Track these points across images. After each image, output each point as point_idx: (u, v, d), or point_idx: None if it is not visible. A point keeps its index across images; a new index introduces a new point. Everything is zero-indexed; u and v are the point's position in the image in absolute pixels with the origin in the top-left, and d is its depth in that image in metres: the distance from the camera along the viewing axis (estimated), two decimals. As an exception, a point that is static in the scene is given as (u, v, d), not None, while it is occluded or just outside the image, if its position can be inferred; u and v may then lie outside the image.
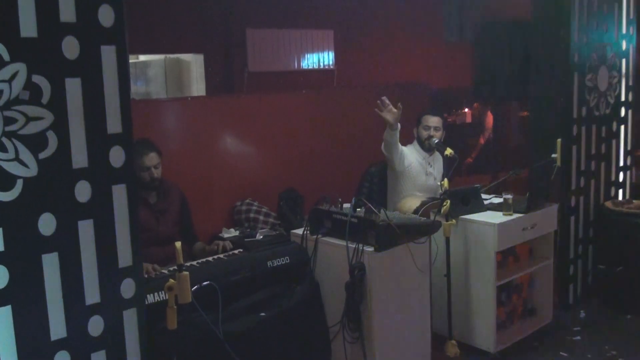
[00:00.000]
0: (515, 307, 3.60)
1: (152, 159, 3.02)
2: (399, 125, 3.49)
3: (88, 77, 1.85)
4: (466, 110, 6.65)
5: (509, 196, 3.28)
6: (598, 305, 3.99)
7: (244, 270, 2.67)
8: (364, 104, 4.91)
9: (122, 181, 1.96)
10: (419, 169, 3.81)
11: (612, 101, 4.14)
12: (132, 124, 1.96)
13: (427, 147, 3.78)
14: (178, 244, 2.04)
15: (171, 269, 2.68)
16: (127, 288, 2.00)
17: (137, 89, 5.94)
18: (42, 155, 1.77)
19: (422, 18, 6.36)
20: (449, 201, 3.08)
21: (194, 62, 5.64)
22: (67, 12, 1.79)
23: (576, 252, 4.01)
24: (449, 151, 3.29)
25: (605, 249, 4.04)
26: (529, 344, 3.47)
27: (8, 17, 1.68)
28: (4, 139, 1.70)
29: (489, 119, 6.29)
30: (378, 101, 3.43)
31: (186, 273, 2.02)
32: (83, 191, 1.87)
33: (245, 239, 3.73)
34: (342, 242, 2.77)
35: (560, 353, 3.38)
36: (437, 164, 3.86)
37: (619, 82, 4.20)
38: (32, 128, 1.74)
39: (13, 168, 1.72)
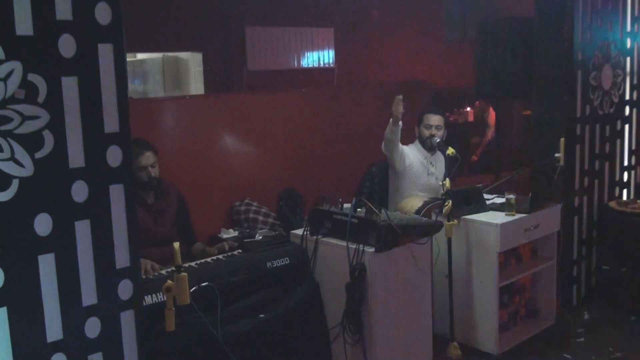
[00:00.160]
0: (517, 308, 3.60)
1: (148, 158, 3.02)
2: (400, 122, 3.48)
3: (85, 75, 1.85)
4: (468, 109, 6.65)
5: (512, 196, 3.28)
6: (602, 307, 3.98)
7: (243, 271, 2.67)
8: (364, 103, 4.94)
9: (120, 181, 1.96)
10: (420, 168, 3.81)
11: (616, 100, 4.14)
12: (129, 123, 1.96)
13: (429, 146, 3.78)
14: (176, 245, 2.04)
15: (169, 270, 2.68)
16: (125, 289, 2.00)
17: (134, 87, 5.94)
18: (38, 155, 1.77)
19: (423, 16, 6.37)
20: (450, 201, 3.08)
21: (193, 61, 5.65)
22: (63, 9, 1.79)
23: (580, 253, 4.01)
24: (450, 150, 3.29)
25: (609, 249, 4.04)
26: (531, 345, 3.46)
27: (3, 15, 1.68)
28: None
29: (492, 115, 6.29)
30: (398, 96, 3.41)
31: (184, 274, 2.02)
32: (80, 191, 1.87)
33: (245, 240, 3.74)
34: (343, 243, 2.77)
35: (564, 355, 3.38)
36: (439, 164, 3.86)
37: (624, 80, 4.20)
38: (28, 127, 1.74)
39: (9, 168, 1.72)
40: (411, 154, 3.81)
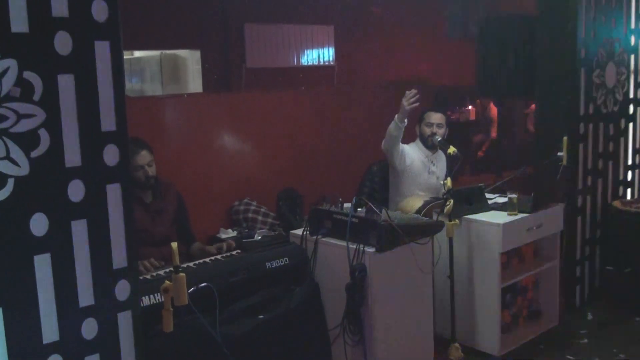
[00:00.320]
0: (520, 309, 3.60)
1: (144, 157, 3.01)
2: (407, 120, 3.49)
3: (81, 73, 1.85)
4: (470, 107, 6.65)
5: (514, 196, 3.27)
6: (606, 308, 3.98)
7: (242, 271, 2.67)
8: (365, 101, 4.94)
9: (117, 180, 1.95)
10: (421, 167, 3.81)
11: (620, 98, 4.14)
12: (126, 121, 1.96)
13: (430, 145, 3.78)
14: (174, 245, 2.03)
15: (167, 270, 2.68)
16: (122, 290, 2.00)
17: (132, 85, 5.93)
18: (34, 154, 1.77)
19: (424, 13, 6.37)
20: (452, 201, 3.07)
21: (191, 58, 5.64)
22: (59, 6, 1.79)
23: (583, 253, 4.01)
24: (452, 149, 3.29)
25: (613, 249, 4.04)
26: (534, 347, 3.47)
27: (-1, 12, 1.68)
28: (-5, 137, 1.70)
29: (494, 111, 6.29)
30: (413, 90, 3.41)
31: (183, 274, 2.02)
32: (76, 190, 1.87)
33: (244, 240, 3.74)
34: (343, 243, 2.77)
35: (567, 357, 3.38)
36: (440, 163, 3.86)
37: (628, 78, 4.20)
38: (24, 126, 1.74)
39: (4, 167, 1.72)
40: (412, 153, 3.80)
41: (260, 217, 4.16)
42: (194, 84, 5.63)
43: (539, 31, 4.00)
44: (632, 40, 4.20)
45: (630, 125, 4.31)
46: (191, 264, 2.74)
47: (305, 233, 2.99)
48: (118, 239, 1.97)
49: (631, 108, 4.30)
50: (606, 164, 4.12)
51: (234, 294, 2.59)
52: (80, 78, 1.84)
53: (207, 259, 2.86)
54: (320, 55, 6.03)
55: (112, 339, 1.98)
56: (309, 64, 5.95)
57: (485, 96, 6.08)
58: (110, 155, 1.93)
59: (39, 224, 1.79)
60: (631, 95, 4.28)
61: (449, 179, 3.14)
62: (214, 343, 2.35)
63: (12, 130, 1.72)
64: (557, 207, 3.52)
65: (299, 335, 2.74)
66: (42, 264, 1.81)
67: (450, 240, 3.15)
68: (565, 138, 3.74)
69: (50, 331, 1.84)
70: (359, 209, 2.87)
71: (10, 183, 1.73)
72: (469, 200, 3.33)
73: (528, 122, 6.39)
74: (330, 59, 6.09)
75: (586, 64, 3.82)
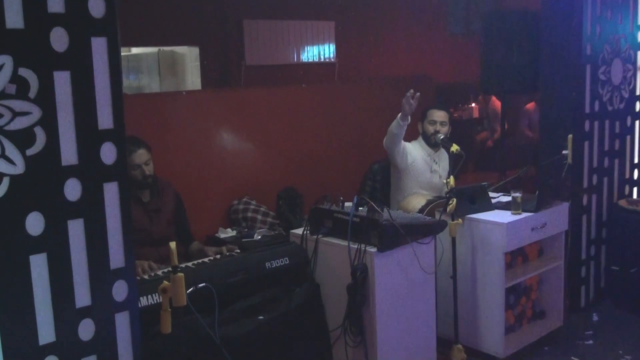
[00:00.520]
0: (524, 310, 3.60)
1: (141, 155, 3.01)
2: (409, 118, 3.49)
3: (78, 70, 1.85)
4: (473, 104, 6.65)
5: (518, 194, 3.27)
6: (611, 308, 3.98)
7: (241, 271, 2.67)
8: (366, 99, 4.93)
9: (114, 179, 1.96)
10: (423, 166, 3.81)
11: (626, 95, 4.13)
12: (124, 119, 1.96)
13: (433, 143, 3.78)
14: (173, 245, 2.03)
15: (165, 270, 2.68)
16: (119, 290, 2.00)
17: (129, 82, 5.94)
18: (29, 152, 1.77)
19: (427, 9, 6.36)
20: (455, 200, 3.07)
21: (189, 55, 5.64)
22: (55, 2, 1.79)
23: (588, 253, 4.01)
24: (455, 147, 3.28)
25: (619, 249, 4.04)
26: (538, 348, 3.47)
27: (-7, 8, 1.68)
28: (-10, 135, 1.70)
29: (497, 104, 6.30)
30: (411, 90, 3.43)
31: (181, 275, 2.02)
32: (73, 189, 1.87)
33: (243, 239, 3.74)
34: (344, 243, 2.77)
35: (572, 358, 3.38)
36: (442, 161, 3.86)
37: (634, 75, 4.19)
38: (19, 123, 1.74)
39: (-1, 165, 1.72)
40: (414, 151, 3.80)
41: (259, 217, 4.16)
42: (193, 81, 5.63)
43: (544, 27, 3.99)
44: (639, 36, 4.19)
45: (637, 122, 4.31)
46: (190, 264, 2.74)
47: (305, 232, 2.99)
48: (115, 238, 1.98)
49: (637, 105, 4.29)
50: (612, 162, 4.11)
51: (234, 294, 2.59)
52: (76, 75, 1.85)
53: (206, 259, 2.86)
54: (320, 51, 6.03)
55: (110, 341, 1.99)
56: (309, 60, 5.95)
57: (489, 93, 6.08)
58: (108, 153, 1.93)
59: (34, 224, 1.79)
60: (637, 92, 4.27)
61: (452, 177, 3.14)
62: (213, 344, 2.35)
63: (7, 128, 1.72)
64: (562, 206, 3.52)
65: (299, 336, 2.74)
66: (38, 264, 1.81)
67: (453, 239, 3.15)
68: (570, 136, 3.74)
69: (46, 332, 1.84)
70: (360, 208, 2.87)
71: (6, 182, 1.73)
72: (472, 199, 3.33)
73: (523, 120, 6.39)
74: (331, 55, 6.09)
75: (592, 60, 3.81)
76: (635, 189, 4.38)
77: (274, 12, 5.66)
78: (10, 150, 1.73)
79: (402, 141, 3.67)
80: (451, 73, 6.34)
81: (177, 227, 3.23)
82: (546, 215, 3.39)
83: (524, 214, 3.28)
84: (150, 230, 3.08)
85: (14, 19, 1.71)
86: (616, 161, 4.15)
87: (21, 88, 1.74)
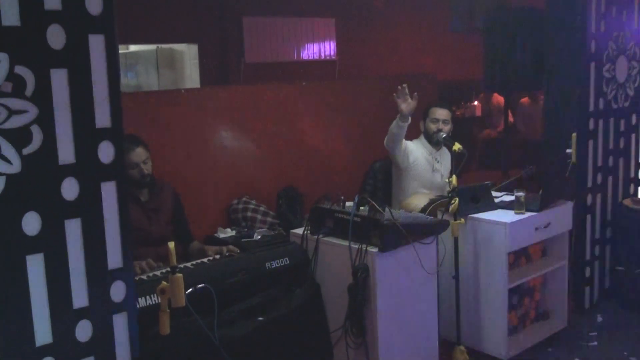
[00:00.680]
0: (527, 311, 3.60)
1: (139, 154, 3.01)
2: (409, 118, 3.49)
3: (75, 68, 1.85)
4: (476, 103, 6.65)
5: (521, 194, 3.27)
6: (616, 309, 3.98)
7: (241, 272, 2.67)
8: (367, 97, 4.93)
9: (112, 178, 1.95)
10: (425, 165, 3.81)
11: (631, 93, 4.13)
12: (122, 117, 1.96)
13: (436, 141, 3.78)
14: (171, 245, 2.04)
15: (164, 270, 2.68)
16: (117, 291, 2.00)
17: (127, 80, 5.94)
18: (26, 151, 1.77)
19: (429, 5, 6.36)
20: (457, 199, 3.07)
21: (188, 53, 5.65)
22: (52, -2, 1.79)
23: (592, 253, 4.01)
24: (457, 146, 3.28)
25: (624, 249, 4.03)
26: (542, 350, 3.47)
27: (-11, 5, 1.68)
28: (-14, 134, 1.70)
29: (500, 100, 6.29)
30: (399, 87, 3.43)
31: (180, 275, 2.02)
32: (70, 188, 1.86)
33: (242, 239, 3.73)
34: (345, 243, 2.77)
35: (576, 359, 3.38)
36: (444, 160, 3.86)
37: (639, 72, 4.19)
38: (16, 122, 1.74)
39: (-5, 164, 1.72)
40: (415, 150, 3.80)
41: (259, 216, 4.16)
42: (191, 78, 5.63)
43: (548, 24, 3.99)
44: (644, 33, 4.19)
45: (642, 121, 4.30)
46: (189, 265, 2.74)
47: (306, 232, 2.99)
48: (113, 238, 1.97)
49: (642, 103, 4.29)
50: (617, 161, 4.11)
51: (233, 295, 2.59)
52: (73, 73, 1.84)
53: (205, 259, 2.86)
54: (321, 49, 6.03)
55: (107, 342, 1.98)
56: (310, 58, 5.95)
57: (493, 91, 6.08)
58: (105, 152, 1.93)
59: (31, 223, 1.79)
60: (643, 90, 4.27)
61: (454, 176, 3.14)
62: (212, 346, 2.35)
63: (3, 126, 1.72)
64: (566, 205, 3.52)
65: (300, 338, 2.75)
66: (35, 264, 1.81)
67: (456, 239, 3.15)
68: (574, 134, 3.74)
69: (43, 333, 1.84)
70: (361, 208, 2.87)
71: (2, 181, 1.73)
72: (475, 198, 3.33)
73: (517, 115, 6.39)
74: (332, 53, 6.09)
75: (596, 58, 3.81)
76: (640, 189, 4.38)
77: (274, 9, 5.66)
78: (7, 149, 1.73)
79: (404, 140, 3.66)
80: (454, 70, 6.34)
81: (176, 227, 3.23)
82: (550, 214, 3.39)
83: (528, 214, 3.28)
84: (148, 230, 3.08)
85: (10, 16, 1.71)
86: (621, 160, 4.15)
87: (17, 86, 1.74)
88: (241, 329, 2.53)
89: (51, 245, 1.84)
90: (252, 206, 4.19)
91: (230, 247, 2.95)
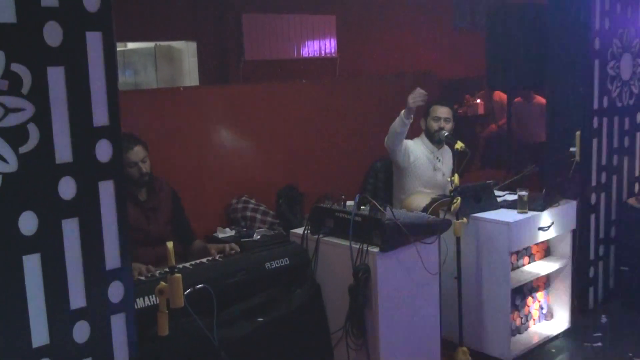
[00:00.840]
0: (530, 311, 3.60)
1: (137, 153, 3.01)
2: (412, 116, 3.49)
3: (72, 65, 1.84)
4: (478, 101, 6.64)
5: (524, 193, 3.27)
6: (620, 310, 3.98)
7: (240, 272, 2.67)
8: (368, 95, 4.93)
9: (110, 177, 1.95)
10: (426, 163, 3.80)
11: (636, 91, 4.13)
12: (119, 116, 1.96)
13: (437, 140, 3.77)
14: (170, 244, 2.03)
15: (163, 271, 2.68)
16: (115, 291, 2.00)
17: (125, 78, 5.94)
18: (22, 150, 1.76)
19: (431, 2, 6.36)
20: (459, 198, 3.07)
21: (186, 50, 5.65)
22: (49, -5, 1.79)
23: (597, 253, 4.01)
24: (459, 145, 3.28)
25: (628, 249, 4.03)
26: (545, 351, 3.46)
27: (-15, 1, 1.68)
28: (-18, 132, 1.70)
29: (502, 96, 6.29)
30: (420, 91, 3.46)
31: (178, 275, 2.02)
32: (67, 188, 1.86)
33: (242, 239, 3.74)
34: (345, 243, 2.77)
35: (580, 361, 3.38)
36: (446, 159, 3.85)
37: (644, 70, 4.19)
38: (12, 120, 1.74)
39: (-8, 163, 1.72)
40: (416, 149, 3.80)
41: (259, 216, 4.16)
42: (190, 76, 5.63)
43: (551, 21, 3.98)
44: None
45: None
46: (187, 265, 2.74)
47: (306, 232, 2.98)
48: (111, 238, 1.97)
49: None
50: (621, 160, 4.11)
51: (232, 295, 2.59)
52: (71, 70, 1.84)
53: (204, 259, 2.86)
54: (321, 46, 6.03)
55: (105, 343, 1.98)
56: (310, 55, 5.95)
57: (495, 88, 6.08)
58: (103, 151, 1.93)
59: (28, 223, 1.79)
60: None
61: (456, 175, 3.14)
62: (211, 347, 2.35)
63: (-1, 125, 1.72)
64: (569, 204, 3.52)
65: (300, 339, 2.75)
66: (32, 265, 1.81)
67: (458, 239, 3.15)
68: (578, 133, 3.73)
69: (40, 335, 1.84)
70: (362, 207, 2.87)
71: (-2, 180, 1.73)
72: (477, 197, 3.33)
73: (512, 116, 6.34)
74: (332, 50, 6.09)
75: (600, 55, 3.80)
76: (644, 187, 4.37)
77: (274, 6, 5.66)
78: (3, 147, 1.73)
79: (405, 140, 3.66)
80: (456, 68, 6.34)
81: (177, 227, 3.23)
82: (553, 214, 3.39)
83: (531, 213, 3.28)
84: (147, 229, 3.08)
85: (6, 13, 1.71)
86: (625, 159, 4.15)
87: (14, 84, 1.74)
88: (241, 330, 2.53)
89: (48, 245, 1.84)
90: (251, 205, 4.19)
91: (233, 244, 2.95)
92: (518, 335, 3.47)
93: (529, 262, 3.53)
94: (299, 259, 2.89)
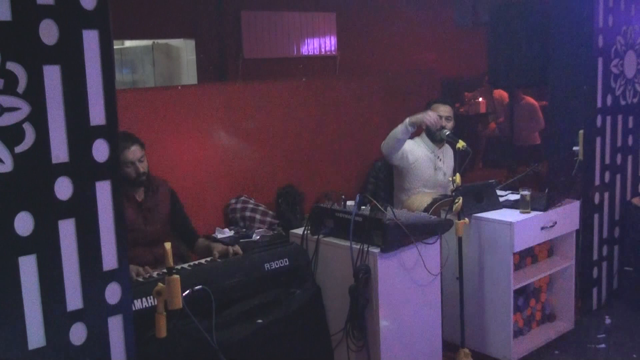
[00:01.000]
0: (533, 312, 3.60)
1: (134, 152, 3.01)
2: (415, 128, 3.54)
3: (68, 64, 1.85)
4: (480, 99, 6.64)
5: (527, 192, 3.27)
6: (624, 311, 3.98)
7: (239, 273, 2.67)
8: (368, 93, 4.92)
9: (106, 177, 1.95)
10: (427, 163, 3.80)
11: None
12: (117, 115, 1.96)
13: (438, 139, 3.77)
14: (168, 245, 2.03)
15: (160, 272, 2.68)
16: (112, 293, 2.00)
17: (122, 77, 5.94)
18: (18, 149, 1.76)
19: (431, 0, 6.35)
20: (461, 198, 3.07)
21: (185, 48, 5.64)
22: (44, -7, 1.78)
23: (600, 253, 4.01)
24: (461, 144, 3.28)
25: (632, 249, 4.03)
26: (548, 352, 3.47)
27: (-20, -1, 1.68)
28: (-23, 132, 1.70)
29: (503, 94, 6.28)
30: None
31: (176, 276, 2.02)
32: (63, 188, 1.86)
33: (241, 240, 3.73)
34: (346, 243, 2.77)
35: (583, 362, 3.38)
36: (447, 158, 3.85)
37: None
38: (7, 119, 1.74)
39: (-13, 163, 1.72)
40: (416, 149, 3.80)
41: (258, 216, 4.16)
42: (188, 75, 5.63)
43: (554, 19, 3.98)
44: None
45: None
46: (186, 266, 2.74)
47: (306, 232, 2.98)
48: (108, 239, 1.97)
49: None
50: (625, 159, 4.11)
51: (231, 296, 2.59)
52: (67, 69, 1.84)
53: (203, 260, 2.86)
54: (321, 44, 6.02)
55: (102, 345, 1.99)
56: (310, 53, 5.95)
57: (497, 87, 6.08)
58: (100, 150, 1.93)
59: (24, 224, 1.79)
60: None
61: (457, 175, 3.14)
62: (210, 349, 2.35)
63: (-5, 124, 1.72)
64: (572, 204, 3.52)
65: (300, 340, 2.74)
66: (28, 266, 1.81)
67: (460, 239, 3.15)
68: (581, 131, 3.73)
69: (36, 337, 1.84)
70: (362, 207, 2.87)
71: (-6, 180, 1.73)
72: (479, 197, 3.32)
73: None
74: (332, 48, 6.08)
75: (604, 53, 3.80)
76: (649, 187, 4.37)
77: (273, 3, 5.66)
78: (-2, 147, 1.73)
79: None
80: (457, 66, 6.33)
81: (177, 226, 3.22)
82: (556, 214, 3.38)
83: (533, 213, 3.28)
84: (144, 230, 3.07)
85: (1, 11, 1.71)
86: (629, 158, 4.14)
87: (9, 83, 1.74)
88: (240, 332, 2.53)
89: (44, 246, 1.84)
90: (250, 205, 4.19)
91: (237, 247, 2.93)
92: (521, 337, 3.47)
93: (532, 263, 3.53)
94: (299, 260, 2.89)
